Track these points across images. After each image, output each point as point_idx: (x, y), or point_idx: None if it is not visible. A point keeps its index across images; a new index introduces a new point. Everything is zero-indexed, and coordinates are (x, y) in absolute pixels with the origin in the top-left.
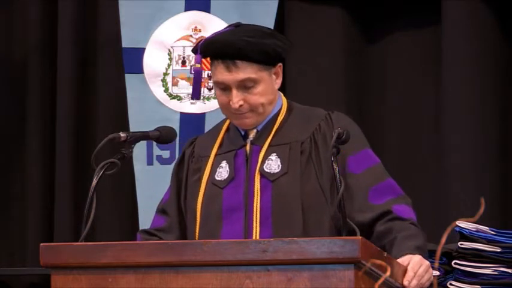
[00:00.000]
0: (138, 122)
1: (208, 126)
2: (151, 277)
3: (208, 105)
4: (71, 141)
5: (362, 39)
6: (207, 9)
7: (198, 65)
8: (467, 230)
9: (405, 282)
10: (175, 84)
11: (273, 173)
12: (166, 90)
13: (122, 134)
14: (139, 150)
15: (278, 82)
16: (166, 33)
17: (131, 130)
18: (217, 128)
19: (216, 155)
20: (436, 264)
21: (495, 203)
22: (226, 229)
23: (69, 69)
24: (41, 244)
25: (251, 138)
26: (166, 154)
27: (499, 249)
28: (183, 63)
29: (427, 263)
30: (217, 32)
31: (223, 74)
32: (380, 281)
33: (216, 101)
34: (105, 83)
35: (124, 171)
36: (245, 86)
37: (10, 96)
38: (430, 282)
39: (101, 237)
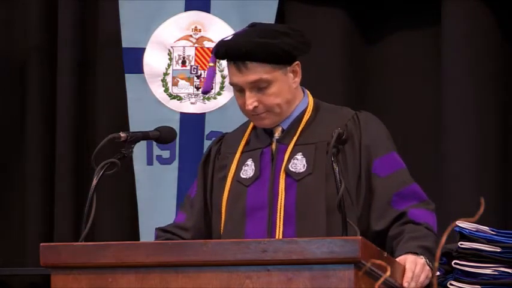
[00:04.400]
0: (138, 122)
1: (208, 126)
2: (151, 277)
3: (208, 105)
4: (71, 141)
5: (362, 39)
6: (207, 9)
7: (212, 64)
8: (467, 230)
9: (405, 284)
10: (175, 84)
11: (298, 173)
12: (166, 90)
13: (122, 134)
14: (139, 150)
15: (296, 80)
16: (166, 33)
17: (131, 130)
18: (245, 125)
19: (242, 152)
20: (436, 264)
21: (495, 203)
22: (250, 227)
23: (69, 69)
24: (41, 244)
25: (277, 137)
26: (166, 154)
27: (499, 249)
28: (183, 63)
29: (421, 261)
30: (233, 34)
31: (236, 76)
32: (380, 281)
33: (216, 101)
34: (105, 83)
35: (124, 171)
36: (258, 87)
37: (10, 96)
38: (428, 280)
39: (101, 237)
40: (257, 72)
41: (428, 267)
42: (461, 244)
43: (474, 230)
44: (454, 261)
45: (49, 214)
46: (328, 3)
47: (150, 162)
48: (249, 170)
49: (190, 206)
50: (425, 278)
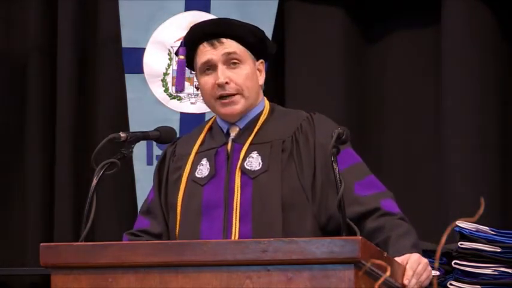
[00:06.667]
0: (138, 122)
1: None
2: (151, 277)
3: None
4: (71, 141)
5: (362, 39)
6: (207, 9)
7: (182, 57)
8: (467, 230)
9: (405, 281)
10: (175, 84)
11: (254, 170)
12: (166, 90)
13: (122, 134)
14: (139, 150)
15: (261, 78)
16: (166, 33)
17: (131, 130)
18: (199, 128)
19: (196, 152)
20: (436, 264)
21: (495, 203)
22: (205, 226)
23: (69, 69)
24: (41, 244)
25: (233, 136)
26: None
27: (499, 249)
28: None
29: (425, 260)
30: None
31: (209, 53)
32: (380, 281)
33: None
34: (105, 83)
35: (124, 171)
36: (231, 62)
37: (10, 96)
38: (429, 280)
39: (101, 237)
40: (232, 46)
41: (430, 268)
42: (461, 244)
43: (474, 230)
44: (454, 261)
45: (49, 214)
46: (328, 2)
47: (150, 162)
48: (204, 169)
49: (152, 211)
50: (427, 277)
